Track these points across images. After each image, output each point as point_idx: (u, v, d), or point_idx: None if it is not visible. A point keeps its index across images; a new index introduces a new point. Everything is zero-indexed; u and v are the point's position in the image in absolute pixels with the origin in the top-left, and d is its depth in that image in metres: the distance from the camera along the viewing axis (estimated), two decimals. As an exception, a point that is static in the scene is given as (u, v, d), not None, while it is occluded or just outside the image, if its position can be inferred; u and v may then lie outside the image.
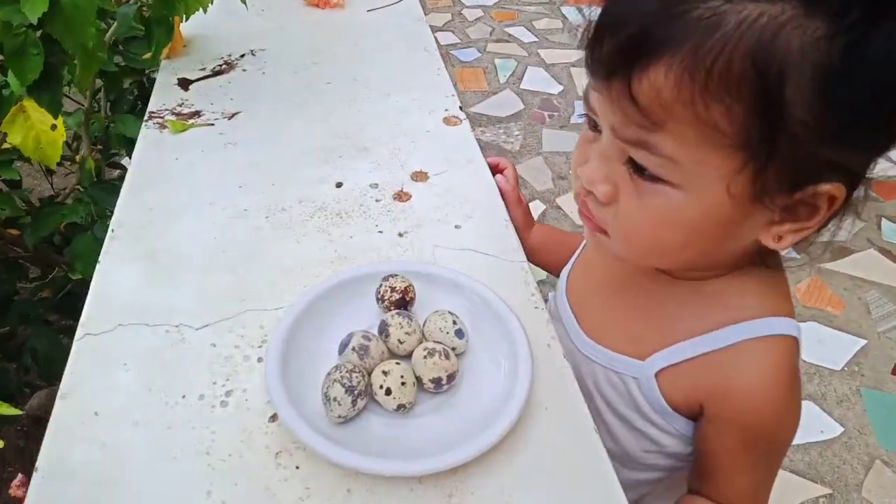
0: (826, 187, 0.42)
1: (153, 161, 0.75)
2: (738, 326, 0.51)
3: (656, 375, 0.54)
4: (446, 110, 0.87)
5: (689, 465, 0.59)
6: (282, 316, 0.54)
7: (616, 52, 0.42)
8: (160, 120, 0.81)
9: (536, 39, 2.99)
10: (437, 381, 0.50)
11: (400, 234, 0.67)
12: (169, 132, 0.80)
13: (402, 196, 0.72)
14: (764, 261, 0.52)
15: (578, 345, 0.60)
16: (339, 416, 0.47)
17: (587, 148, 0.50)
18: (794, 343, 0.51)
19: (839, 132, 0.39)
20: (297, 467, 0.47)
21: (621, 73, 0.41)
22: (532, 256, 0.70)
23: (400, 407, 0.49)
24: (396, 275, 0.56)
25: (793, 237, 0.45)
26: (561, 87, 2.66)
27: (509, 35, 3.02)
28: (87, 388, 0.51)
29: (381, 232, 0.67)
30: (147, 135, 0.79)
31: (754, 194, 0.42)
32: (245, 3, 0.90)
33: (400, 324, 0.52)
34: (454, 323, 0.53)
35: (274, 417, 0.50)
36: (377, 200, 0.71)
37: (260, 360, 0.54)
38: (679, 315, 0.54)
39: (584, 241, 0.68)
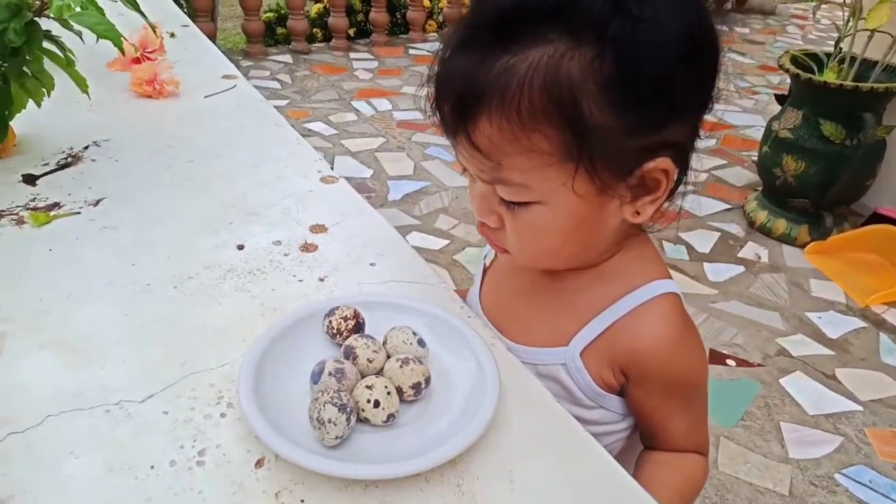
0: (651, 165, 0.51)
1: (21, 256, 0.68)
2: (631, 295, 0.60)
3: (581, 356, 0.61)
4: (319, 172, 0.90)
5: (632, 431, 0.66)
6: (240, 366, 0.52)
7: (451, 112, 0.52)
8: (14, 217, 0.74)
9: (336, 132, 3.12)
10: (416, 386, 0.52)
11: (321, 280, 0.68)
12: (30, 226, 0.73)
13: (308, 247, 0.73)
14: (637, 232, 0.62)
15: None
16: (336, 437, 0.47)
17: (472, 186, 0.58)
18: (676, 297, 0.61)
19: (640, 123, 0.49)
20: (303, 501, 0.45)
21: (461, 130, 0.51)
22: None
23: (389, 417, 0.49)
24: (338, 307, 0.57)
25: (651, 207, 0.55)
26: (371, 171, 2.79)
27: (309, 130, 3.12)
28: (33, 486, 0.45)
29: (301, 280, 0.67)
30: (2, 233, 0.71)
31: (598, 189, 0.52)
32: (88, 94, 0.87)
33: (366, 344, 0.54)
34: (414, 334, 0.55)
35: (260, 463, 0.48)
36: (285, 255, 0.72)
37: (223, 415, 0.51)
38: (586, 299, 0.62)
39: (477, 275, 0.75)
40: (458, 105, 0.51)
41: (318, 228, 0.77)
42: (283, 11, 4.32)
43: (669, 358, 0.59)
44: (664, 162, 0.51)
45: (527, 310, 0.67)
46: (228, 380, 0.54)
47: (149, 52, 1.13)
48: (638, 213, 0.54)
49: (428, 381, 0.52)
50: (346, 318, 0.56)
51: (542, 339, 0.63)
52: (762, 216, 2.47)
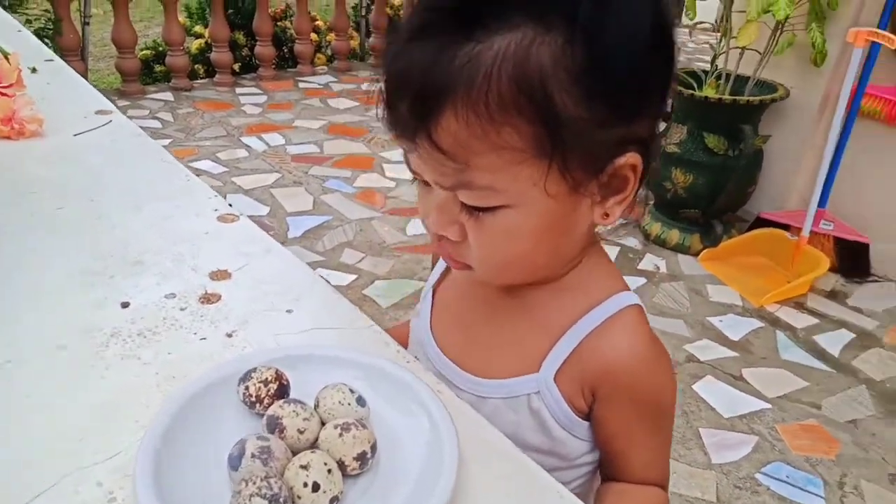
0: (622, 160, 0.48)
1: None
2: (597, 309, 0.56)
3: (555, 380, 0.56)
4: (216, 210, 0.80)
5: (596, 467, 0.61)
6: (135, 455, 0.42)
7: (410, 112, 0.46)
8: None
9: (226, 169, 2.96)
10: (362, 457, 0.43)
11: (228, 336, 0.58)
12: None
13: (209, 298, 0.63)
14: (594, 241, 0.58)
15: (471, 388, 0.59)
16: (270, 537, 0.37)
17: (425, 198, 0.52)
18: (640, 310, 0.57)
19: (612, 114, 0.46)
20: None
21: (421, 129, 0.45)
22: None
23: (332, 501, 0.41)
24: (254, 368, 0.48)
25: (618, 208, 0.51)
26: (268, 208, 2.65)
27: (196, 169, 2.93)
28: None
29: (203, 339, 0.57)
30: None
31: (570, 188, 0.48)
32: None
33: (294, 412, 0.44)
34: (351, 391, 0.47)
35: (170, 582, 0.37)
36: (182, 309, 0.61)
37: (116, 523, 0.40)
38: (550, 315, 0.57)
39: (424, 304, 0.68)
40: (418, 101, 0.45)
41: (220, 275, 0.67)
42: (160, 48, 4.10)
43: (640, 374, 0.55)
44: (633, 157, 0.48)
45: (488, 335, 0.61)
46: (121, 474, 0.43)
47: (4, 88, 0.98)
48: (607, 215, 0.51)
49: (374, 448, 0.44)
50: (265, 382, 0.47)
51: (509, 368, 0.58)
52: (657, 228, 2.56)
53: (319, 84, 4.18)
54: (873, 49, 2.08)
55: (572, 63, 0.43)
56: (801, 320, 2.14)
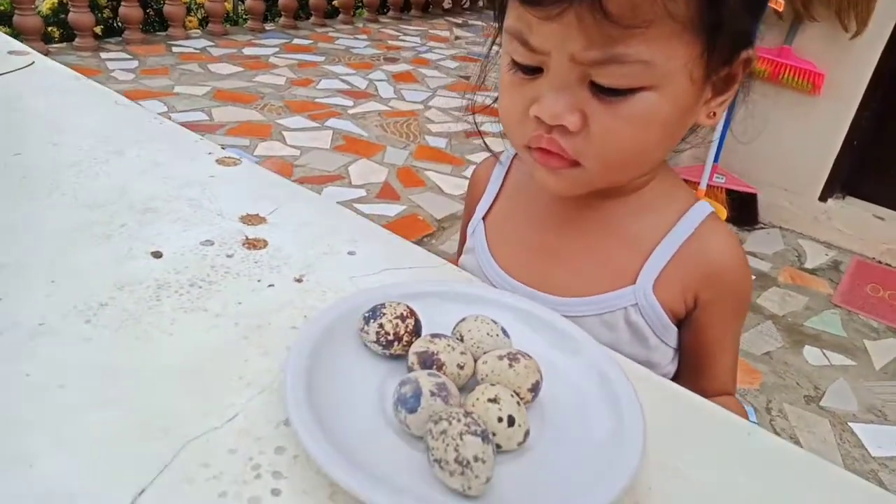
0: (750, 52, 0.48)
1: None
2: (685, 218, 0.55)
3: (653, 290, 0.55)
4: (210, 153, 0.69)
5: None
6: (290, 410, 0.34)
7: None
8: None
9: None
10: (535, 387, 0.38)
11: (298, 280, 0.50)
12: None
13: (255, 243, 0.54)
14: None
15: (561, 310, 0.55)
16: (488, 479, 0.32)
17: (523, 90, 0.48)
18: (718, 216, 0.58)
19: (754, 2, 0.46)
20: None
21: None
22: None
23: (526, 436, 0.36)
24: (382, 304, 0.41)
25: (720, 109, 0.51)
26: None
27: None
28: None
29: (271, 285, 0.49)
30: None
31: (704, 76, 0.46)
32: None
33: (449, 346, 0.39)
34: (495, 322, 0.42)
35: (373, 547, 0.31)
36: (228, 256, 0.52)
37: (276, 492, 0.33)
38: (640, 227, 0.56)
39: (476, 237, 0.63)
40: None
41: (253, 219, 0.58)
42: (2, 7, 3.59)
43: (741, 275, 0.57)
44: (753, 52, 0.48)
45: (571, 254, 0.58)
46: (252, 437, 0.36)
47: None
48: (713, 115, 0.50)
49: (542, 376, 0.39)
50: (402, 318, 0.40)
51: (600, 285, 0.56)
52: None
53: (196, 48, 3.86)
54: (759, 12, 2.25)
55: None
56: (707, 267, 2.30)
